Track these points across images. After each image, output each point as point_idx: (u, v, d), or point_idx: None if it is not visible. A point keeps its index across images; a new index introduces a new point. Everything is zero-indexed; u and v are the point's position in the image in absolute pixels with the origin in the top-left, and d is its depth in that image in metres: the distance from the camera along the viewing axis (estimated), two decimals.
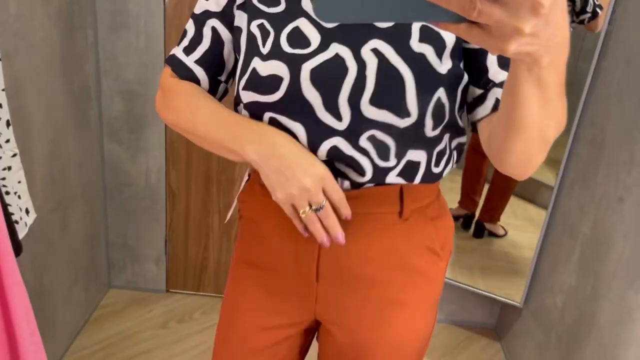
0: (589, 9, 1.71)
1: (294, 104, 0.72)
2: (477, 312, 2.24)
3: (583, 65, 1.71)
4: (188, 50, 0.83)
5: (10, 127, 1.29)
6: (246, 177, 0.91)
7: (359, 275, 0.81)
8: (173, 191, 2.08)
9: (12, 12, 1.39)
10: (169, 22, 1.85)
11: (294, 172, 0.69)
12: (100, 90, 1.94)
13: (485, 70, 0.73)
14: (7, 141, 1.30)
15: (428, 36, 0.71)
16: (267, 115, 0.75)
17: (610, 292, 1.40)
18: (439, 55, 0.71)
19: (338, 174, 0.76)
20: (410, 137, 0.73)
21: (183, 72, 0.83)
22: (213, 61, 0.83)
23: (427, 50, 0.70)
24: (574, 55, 1.76)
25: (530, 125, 0.58)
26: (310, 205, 0.70)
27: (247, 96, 0.75)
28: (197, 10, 0.82)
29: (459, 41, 0.72)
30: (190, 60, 0.82)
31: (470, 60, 0.74)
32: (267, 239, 0.85)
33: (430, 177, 0.78)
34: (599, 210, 1.51)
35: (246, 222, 0.91)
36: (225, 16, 0.80)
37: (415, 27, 0.71)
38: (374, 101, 0.70)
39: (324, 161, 0.74)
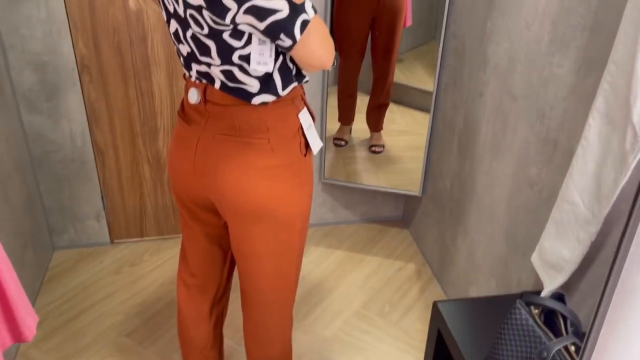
0: None
1: None
2: (385, 209, 2.66)
3: None
4: None
5: None
6: None
7: None
8: (101, 149, 2.21)
9: None
10: None
11: None
12: (8, 65, 1.99)
13: None
14: None
15: None
16: None
17: (482, 166, 1.81)
18: None
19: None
20: None
21: None
22: None
23: None
24: None
25: None
26: None
27: None
28: None
29: None
30: None
31: None
32: None
33: None
34: (467, 105, 1.89)
35: None
36: None
37: None
38: None
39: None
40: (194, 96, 1.16)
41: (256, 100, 1.12)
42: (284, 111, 1.17)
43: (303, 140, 1.22)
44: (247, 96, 1.11)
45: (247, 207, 1.19)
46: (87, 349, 1.88)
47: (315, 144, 1.25)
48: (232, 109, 1.13)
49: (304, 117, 1.21)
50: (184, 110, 1.23)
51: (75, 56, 2.03)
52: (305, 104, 1.24)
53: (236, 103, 1.13)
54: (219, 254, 1.41)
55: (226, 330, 1.93)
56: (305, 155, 1.23)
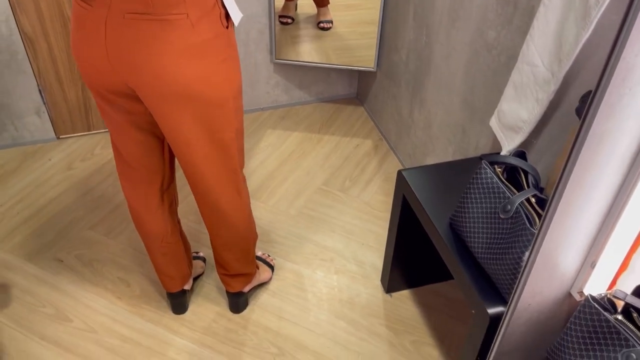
0: None
1: None
2: (339, 87, 2.63)
3: None
4: None
5: None
6: None
7: None
8: (30, 38, 2.02)
9: None
10: None
11: None
12: None
13: None
14: None
15: None
16: None
17: (439, 35, 1.79)
18: None
19: None
20: None
21: None
22: None
23: None
24: None
25: None
26: None
27: None
28: None
29: None
30: None
31: None
32: None
33: None
34: None
35: None
36: None
37: None
38: None
39: None
40: None
41: None
42: None
43: (223, 10, 1.13)
44: None
45: (174, 92, 1.11)
46: (52, 245, 1.86)
47: (236, 14, 1.16)
48: None
49: None
50: None
51: None
52: None
53: None
54: (154, 142, 1.31)
55: (190, 216, 1.95)
56: (227, 27, 1.15)
